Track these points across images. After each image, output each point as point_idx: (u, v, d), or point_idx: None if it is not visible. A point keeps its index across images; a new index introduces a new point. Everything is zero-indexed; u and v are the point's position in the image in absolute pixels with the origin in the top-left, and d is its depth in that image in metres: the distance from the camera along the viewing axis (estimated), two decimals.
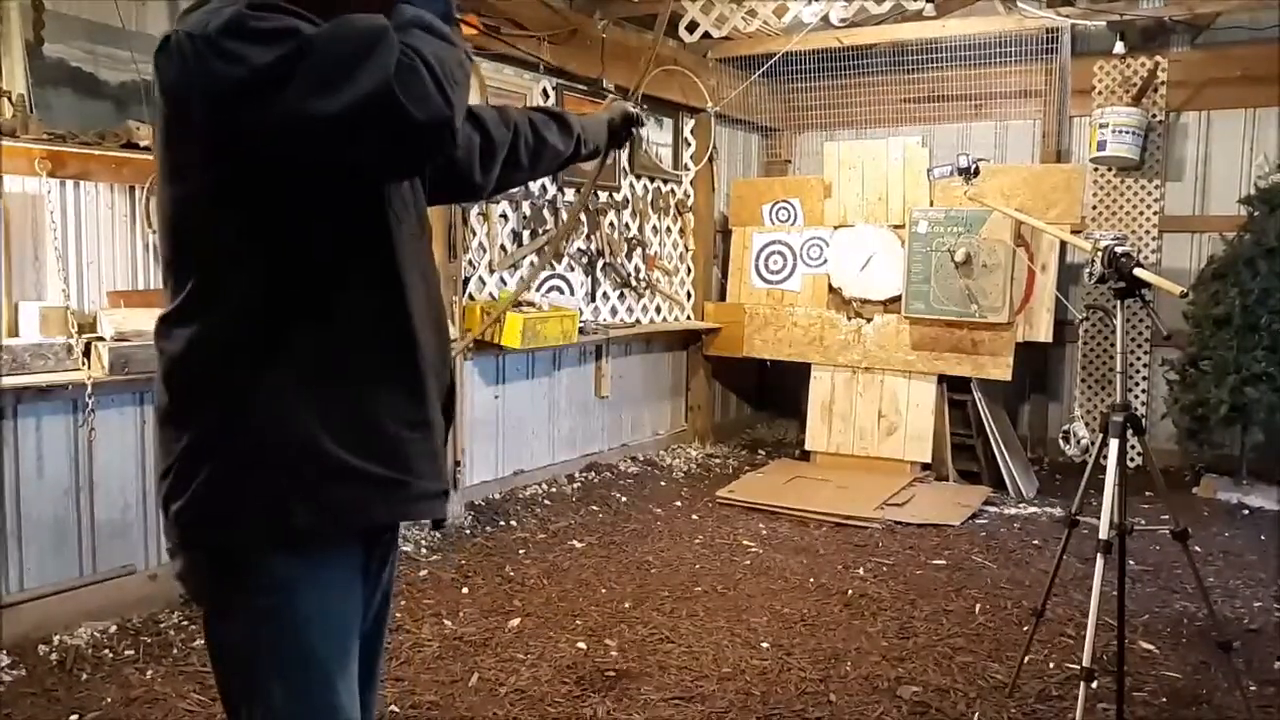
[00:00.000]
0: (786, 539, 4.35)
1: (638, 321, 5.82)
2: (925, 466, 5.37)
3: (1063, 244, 5.27)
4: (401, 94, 1.09)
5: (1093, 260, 2.71)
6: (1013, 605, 3.51)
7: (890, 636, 3.25)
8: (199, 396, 1.24)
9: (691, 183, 6.28)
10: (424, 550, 4.03)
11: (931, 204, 5.54)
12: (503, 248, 4.88)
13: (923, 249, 5.32)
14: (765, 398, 7.01)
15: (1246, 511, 4.87)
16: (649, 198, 5.94)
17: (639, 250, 5.83)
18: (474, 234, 4.70)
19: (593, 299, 5.50)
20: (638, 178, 5.84)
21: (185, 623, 3.21)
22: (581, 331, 4.99)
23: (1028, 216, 3.77)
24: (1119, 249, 2.56)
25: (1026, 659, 2.89)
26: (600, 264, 5.53)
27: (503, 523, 4.46)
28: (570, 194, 5.30)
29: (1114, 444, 2.55)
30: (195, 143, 1.19)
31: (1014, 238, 5.16)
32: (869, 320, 5.64)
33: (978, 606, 3.51)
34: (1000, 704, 2.76)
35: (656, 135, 6.05)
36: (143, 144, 3.07)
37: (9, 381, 2.86)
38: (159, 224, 1.29)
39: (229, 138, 1.15)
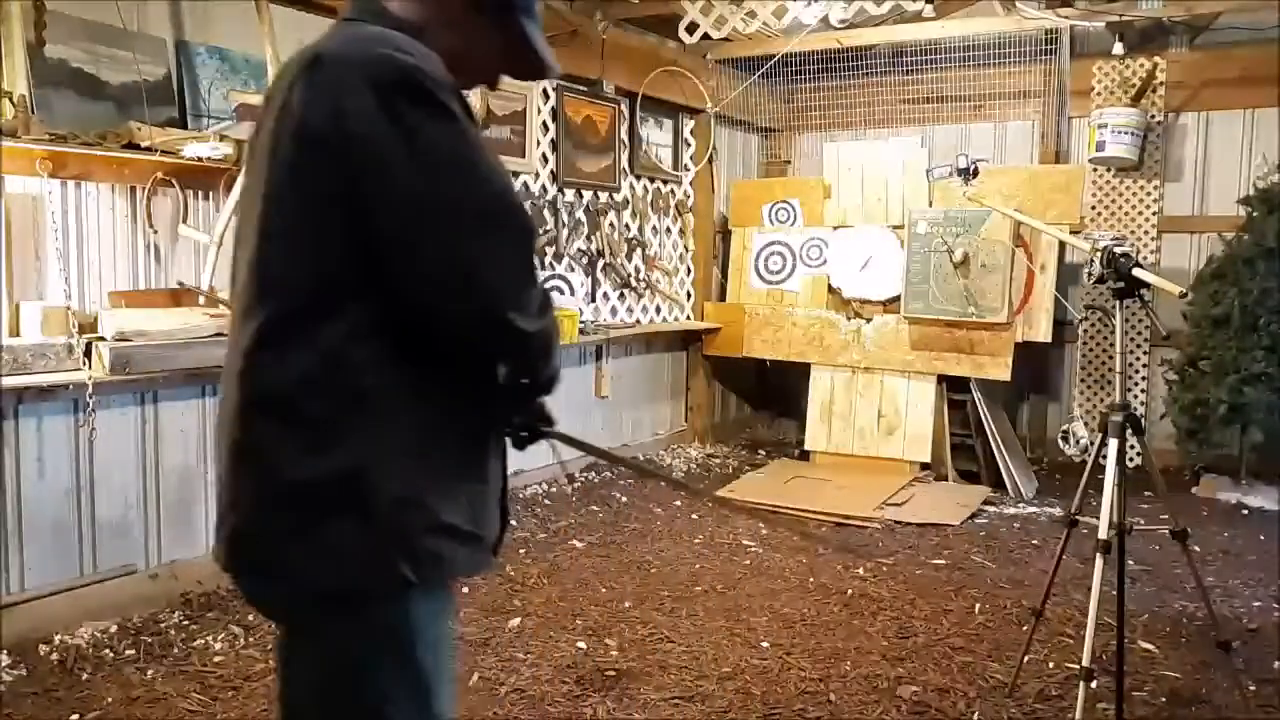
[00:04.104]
0: (786, 538, 4.35)
1: (638, 322, 5.83)
2: (925, 466, 5.38)
3: (1062, 244, 5.27)
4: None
5: (1091, 260, 2.72)
6: (1012, 605, 3.52)
7: (890, 636, 3.25)
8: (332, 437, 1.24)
9: (691, 183, 6.29)
10: None
11: (931, 204, 5.55)
12: None
13: (922, 249, 5.32)
14: (765, 398, 7.00)
15: (1246, 511, 4.88)
16: (649, 198, 5.94)
17: (639, 251, 5.84)
18: None
19: (593, 299, 5.50)
20: (638, 178, 5.84)
21: (186, 622, 3.22)
22: (582, 332, 4.99)
23: (1027, 217, 3.78)
24: (1118, 249, 2.57)
25: (1026, 659, 2.90)
26: (600, 264, 5.53)
27: None
28: (570, 194, 5.31)
29: (1113, 444, 2.56)
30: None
31: (1013, 238, 5.16)
32: (868, 320, 5.65)
33: (977, 606, 3.52)
34: (1000, 704, 2.77)
35: (657, 136, 6.06)
36: (143, 144, 3.07)
37: (10, 382, 2.87)
38: (256, 244, 1.25)
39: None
